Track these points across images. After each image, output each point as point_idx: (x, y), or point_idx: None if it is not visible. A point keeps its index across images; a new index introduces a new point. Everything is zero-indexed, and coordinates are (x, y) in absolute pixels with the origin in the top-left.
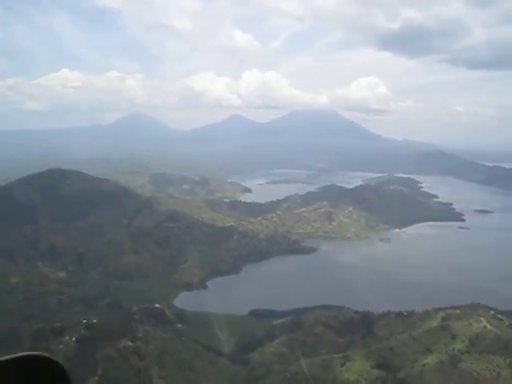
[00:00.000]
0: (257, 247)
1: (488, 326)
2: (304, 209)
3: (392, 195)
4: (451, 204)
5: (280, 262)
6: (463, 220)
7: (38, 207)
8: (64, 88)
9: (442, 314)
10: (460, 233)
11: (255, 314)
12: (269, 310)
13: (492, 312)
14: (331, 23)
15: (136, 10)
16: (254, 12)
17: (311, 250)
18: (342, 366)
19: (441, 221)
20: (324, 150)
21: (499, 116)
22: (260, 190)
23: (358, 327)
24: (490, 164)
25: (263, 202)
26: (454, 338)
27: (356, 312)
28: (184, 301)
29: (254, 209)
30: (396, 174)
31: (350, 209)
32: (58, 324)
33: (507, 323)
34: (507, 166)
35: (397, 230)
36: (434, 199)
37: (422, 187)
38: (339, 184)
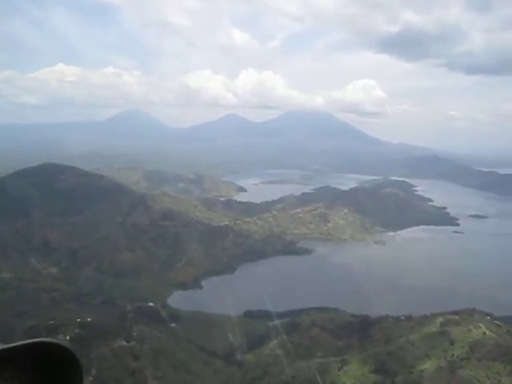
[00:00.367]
0: (252, 247)
1: (487, 333)
2: (299, 210)
3: (387, 198)
4: (446, 208)
5: (275, 262)
6: (458, 225)
7: (31, 201)
8: (60, 82)
9: (440, 319)
10: (455, 237)
11: (250, 314)
12: (264, 311)
13: (488, 318)
14: (330, 24)
15: (135, 5)
16: (253, 11)
17: (306, 251)
18: (339, 370)
19: (435, 225)
20: (319, 152)
21: (496, 122)
22: (255, 189)
23: (355, 330)
24: (485, 169)
25: (258, 201)
26: (452, 343)
27: (353, 315)
28: (178, 300)
29: (249, 208)
30: (391, 177)
31: (345, 211)
32: (52, 322)
33: (506, 330)
34: (502, 171)
35: (391, 233)
36: (429, 203)
37: (416, 191)
38: (334, 186)
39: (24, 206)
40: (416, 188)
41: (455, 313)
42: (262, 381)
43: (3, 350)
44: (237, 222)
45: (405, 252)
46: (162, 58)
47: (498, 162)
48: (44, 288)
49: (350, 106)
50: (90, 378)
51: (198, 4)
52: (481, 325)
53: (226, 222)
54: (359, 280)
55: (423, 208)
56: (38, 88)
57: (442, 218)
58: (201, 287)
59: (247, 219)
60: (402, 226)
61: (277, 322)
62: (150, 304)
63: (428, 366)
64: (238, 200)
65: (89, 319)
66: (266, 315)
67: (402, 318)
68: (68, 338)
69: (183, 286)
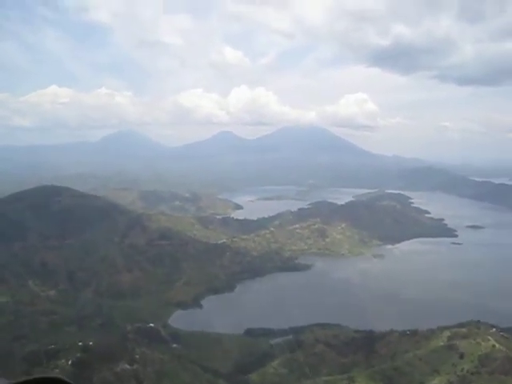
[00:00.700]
0: (250, 264)
1: (497, 346)
2: (297, 225)
3: (384, 211)
4: (443, 220)
5: (274, 279)
6: (456, 236)
7: (28, 224)
8: (53, 104)
9: (447, 332)
10: (453, 249)
11: (251, 333)
12: (265, 329)
13: (494, 329)
14: (321, 39)
15: (126, 26)
16: (245, 28)
17: (305, 267)
18: None
19: (433, 237)
20: (313, 167)
21: (488, 132)
22: (251, 206)
23: (360, 346)
24: (479, 179)
25: (255, 218)
26: (461, 357)
27: (357, 331)
28: (179, 320)
29: (246, 225)
30: (386, 190)
31: (343, 225)
32: (53, 346)
33: None
34: (497, 181)
35: (390, 246)
36: (426, 215)
37: (412, 203)
38: (330, 200)
39: (21, 228)
40: (412, 200)
41: (462, 326)
42: None
43: None
44: (234, 239)
45: (404, 265)
46: (155, 77)
47: (491, 171)
48: (42, 311)
49: (342, 120)
50: None
51: (190, 23)
52: (489, 337)
53: (224, 240)
54: (360, 295)
55: (421, 220)
56: (30, 110)
57: (439, 229)
58: (201, 306)
59: (245, 236)
60: (400, 239)
61: (279, 339)
62: (151, 325)
63: (438, 381)
64: (234, 217)
65: (90, 343)
66: (268, 333)
67: (408, 332)
68: (70, 362)
69: (183, 306)
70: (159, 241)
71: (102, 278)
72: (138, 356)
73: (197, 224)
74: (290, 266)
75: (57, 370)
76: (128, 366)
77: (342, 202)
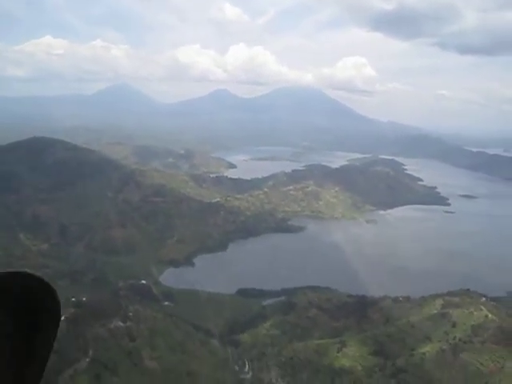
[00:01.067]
0: (243, 224)
1: (489, 316)
2: (291, 187)
3: (377, 177)
4: (436, 188)
5: (267, 240)
6: (448, 204)
7: (20, 176)
8: (47, 55)
9: (440, 301)
10: (446, 217)
11: (243, 293)
12: (257, 290)
13: (484, 299)
14: (323, 1)
15: None
16: None
17: (298, 229)
18: (338, 352)
19: (426, 204)
20: (309, 129)
21: (486, 102)
22: (245, 166)
23: (353, 311)
24: (474, 149)
25: (249, 178)
26: (454, 326)
27: (350, 295)
28: (171, 277)
29: (239, 185)
30: (380, 156)
31: (337, 189)
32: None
33: (507, 312)
34: (491, 151)
35: (382, 212)
36: (419, 182)
37: (406, 169)
38: (324, 163)
39: (13, 180)
40: (406, 167)
41: (452, 294)
42: (259, 362)
43: None
44: (228, 198)
45: (397, 231)
46: (153, 31)
47: (487, 142)
48: (34, 265)
49: (340, 83)
50: (87, 359)
51: None
52: (482, 307)
53: (218, 199)
54: (352, 259)
55: (413, 187)
56: (24, 60)
57: (432, 197)
58: (193, 264)
59: (238, 196)
60: (392, 205)
61: (271, 300)
62: (143, 281)
63: (429, 348)
64: (228, 176)
65: (83, 298)
66: (260, 294)
67: (401, 299)
68: (63, 317)
69: (175, 264)
70: (153, 197)
71: (95, 232)
72: (131, 313)
73: (190, 182)
74: (283, 227)
75: None
76: (121, 323)
77: (336, 166)
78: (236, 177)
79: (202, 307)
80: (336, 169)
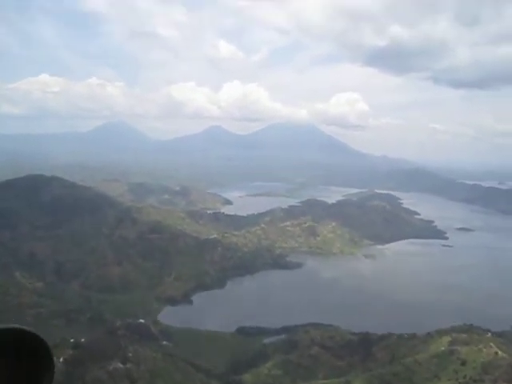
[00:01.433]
0: (241, 261)
1: (499, 353)
2: (288, 223)
3: (374, 211)
4: (433, 221)
5: (265, 276)
6: (446, 238)
7: (17, 213)
8: (43, 93)
9: (447, 337)
10: (444, 251)
11: (243, 331)
12: (257, 328)
13: (489, 334)
14: (317, 37)
15: (121, 16)
16: (240, 23)
17: (297, 265)
18: None
19: (423, 238)
20: (303, 164)
21: (478, 135)
22: (241, 202)
23: (357, 349)
24: (469, 182)
25: (245, 214)
26: (463, 364)
27: (353, 333)
28: (169, 316)
29: (236, 221)
30: (376, 190)
31: (334, 224)
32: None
33: None
34: (486, 184)
35: (380, 247)
36: (416, 216)
37: (402, 204)
38: (320, 198)
39: (9, 217)
40: (402, 201)
41: (461, 330)
42: None
43: None
44: (225, 235)
45: (396, 266)
46: (148, 69)
47: (481, 175)
48: (29, 304)
49: (333, 119)
50: None
51: (185, 16)
52: (492, 344)
53: (215, 235)
54: (353, 295)
55: (411, 221)
56: (20, 98)
57: (430, 231)
58: (191, 302)
59: (236, 232)
60: (390, 240)
61: (272, 339)
62: (141, 320)
63: None
64: (225, 213)
65: (82, 339)
66: (260, 332)
67: (406, 335)
68: (61, 359)
69: (173, 301)
70: (149, 234)
71: (90, 270)
72: (130, 354)
73: (187, 218)
74: (280, 263)
75: None
76: (121, 365)
77: (332, 201)
78: (232, 213)
79: (202, 346)
80: (332, 204)
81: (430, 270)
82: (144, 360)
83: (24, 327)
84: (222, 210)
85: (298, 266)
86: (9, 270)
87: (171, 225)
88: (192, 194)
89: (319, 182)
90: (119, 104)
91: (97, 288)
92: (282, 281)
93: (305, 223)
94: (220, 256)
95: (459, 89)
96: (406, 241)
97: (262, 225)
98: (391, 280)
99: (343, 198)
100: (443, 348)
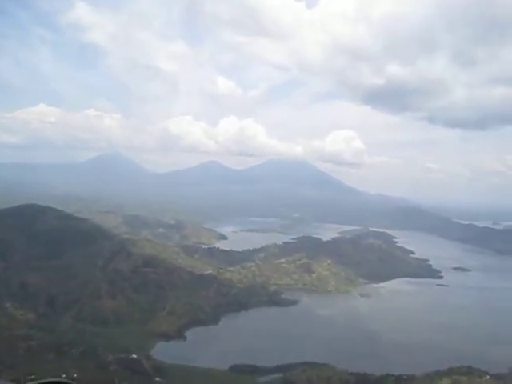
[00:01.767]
0: (236, 297)
1: None
2: (283, 259)
3: (369, 249)
4: (428, 260)
5: (260, 313)
6: (441, 277)
7: (10, 243)
8: (40, 123)
9: (448, 380)
10: (439, 290)
11: (237, 369)
12: (251, 366)
13: (488, 377)
14: (315, 75)
15: (120, 49)
16: (240, 59)
17: (291, 303)
18: None
19: (418, 277)
20: (298, 200)
21: (473, 175)
22: (235, 237)
23: None
24: (464, 222)
25: (240, 250)
26: None
27: (351, 373)
28: (162, 351)
29: (231, 257)
30: (371, 228)
31: (329, 261)
32: (33, 376)
33: None
34: (480, 224)
35: (375, 285)
36: (411, 255)
37: (397, 242)
38: (314, 235)
39: (2, 247)
40: (396, 239)
41: (458, 372)
42: None
43: None
44: (220, 270)
45: (391, 305)
46: (145, 102)
47: (475, 215)
48: (20, 336)
49: (329, 156)
50: None
51: (185, 50)
52: None
53: (210, 271)
54: (348, 334)
55: (406, 260)
56: (17, 127)
57: (425, 270)
58: (184, 338)
59: (230, 268)
60: (385, 278)
61: (266, 378)
62: (133, 356)
63: None
64: (219, 248)
65: (75, 375)
66: (254, 370)
67: (405, 377)
68: None
69: (166, 337)
70: (144, 268)
71: (84, 302)
72: None
73: (182, 253)
74: (275, 300)
75: None
76: None
77: (327, 238)
78: (227, 248)
79: (195, 383)
80: (327, 241)
81: (425, 310)
82: None
83: (66, 380)
84: (217, 245)
85: (293, 303)
86: (0, 300)
87: (166, 259)
88: (187, 228)
89: (314, 218)
90: (116, 136)
91: (90, 321)
92: (277, 318)
93: (299, 260)
94: (215, 292)
95: (455, 128)
96: (401, 279)
97: (257, 261)
98: (387, 319)
99: (338, 235)
100: None
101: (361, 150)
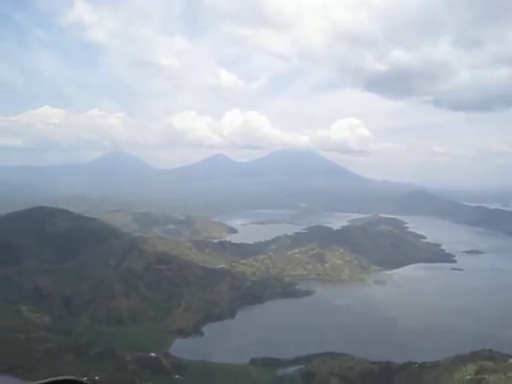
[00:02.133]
0: (250, 290)
1: None
2: (296, 250)
3: (381, 236)
4: (440, 245)
5: (275, 305)
6: (454, 261)
7: (21, 247)
8: (45, 125)
9: (473, 365)
10: (454, 274)
11: (257, 362)
12: (271, 358)
13: (511, 360)
14: (317, 63)
15: (122, 47)
16: (241, 50)
17: (306, 293)
18: None
19: (432, 262)
20: (306, 190)
21: (480, 157)
22: (245, 230)
23: (379, 380)
24: (473, 204)
25: (251, 242)
26: None
27: (373, 362)
28: (180, 348)
29: (243, 250)
30: (380, 215)
31: (341, 250)
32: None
33: None
34: (489, 206)
35: (389, 272)
36: (422, 240)
37: (408, 228)
38: (325, 224)
39: (14, 251)
40: (407, 225)
41: (482, 357)
42: None
43: None
44: (233, 264)
45: (407, 291)
46: (149, 99)
47: (483, 197)
48: (37, 339)
49: (334, 145)
50: None
51: (186, 45)
52: None
53: (222, 265)
54: (366, 323)
55: (418, 245)
56: (22, 130)
57: (437, 254)
58: (202, 334)
59: (243, 261)
60: (398, 264)
61: (287, 370)
62: (152, 354)
63: None
64: (230, 241)
65: (96, 377)
66: (275, 363)
67: (429, 364)
68: None
69: (183, 333)
70: (157, 265)
71: (98, 303)
72: None
73: (193, 248)
74: (290, 291)
75: None
76: None
77: (338, 227)
78: (238, 241)
79: (215, 379)
80: (338, 230)
81: (441, 295)
82: None
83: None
84: (228, 239)
85: (308, 293)
86: (14, 304)
87: (178, 255)
88: (197, 223)
89: (323, 207)
90: (120, 134)
91: (106, 321)
92: (293, 309)
93: (312, 250)
94: (228, 285)
95: (459, 111)
96: (414, 265)
97: (269, 253)
98: (403, 305)
99: (348, 223)
100: (469, 377)
101: (366, 138)
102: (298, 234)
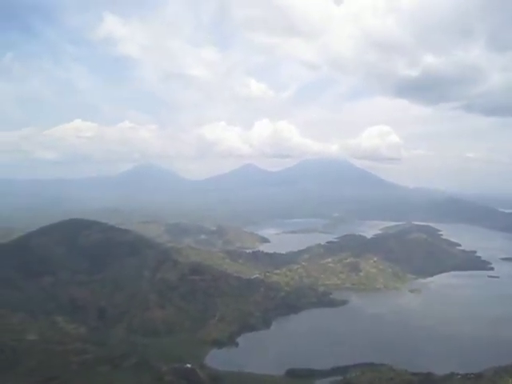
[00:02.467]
0: (285, 300)
1: None
2: (329, 259)
3: (415, 244)
4: (475, 252)
5: (310, 315)
6: (491, 269)
7: (56, 258)
8: (77, 138)
9: None
10: (491, 282)
11: (293, 373)
12: (307, 369)
13: None
14: (347, 71)
15: (152, 59)
16: (270, 60)
17: (341, 303)
18: None
19: (467, 270)
20: (337, 199)
21: None
22: (278, 239)
23: None
24: (508, 211)
25: (284, 252)
26: None
27: (414, 373)
28: (215, 359)
29: (276, 259)
30: (414, 222)
31: (375, 259)
32: None
33: None
34: None
35: (424, 280)
36: (457, 247)
37: (441, 235)
38: (358, 233)
39: (49, 263)
40: (441, 232)
41: None
42: None
43: None
44: (267, 274)
45: (443, 300)
46: (179, 110)
47: None
48: (73, 350)
49: (365, 153)
50: None
51: (216, 56)
52: None
53: (256, 275)
54: (403, 332)
55: (453, 253)
56: (55, 144)
57: (473, 262)
58: (237, 344)
59: (276, 271)
60: (433, 273)
61: (324, 381)
62: (188, 365)
63: None
64: (263, 251)
65: None
66: (311, 374)
67: (472, 375)
68: None
69: (218, 344)
70: (191, 275)
71: (133, 314)
72: None
73: (226, 258)
74: (325, 301)
75: None
76: None
77: (371, 235)
78: (271, 251)
79: None
80: (372, 238)
81: (478, 303)
82: None
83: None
84: (260, 249)
85: (343, 303)
86: (51, 316)
87: (212, 265)
88: (228, 234)
89: (355, 216)
90: (151, 146)
91: (141, 332)
92: (328, 319)
93: (346, 259)
94: (263, 296)
95: (492, 116)
96: (449, 273)
97: (303, 262)
98: (440, 314)
99: (381, 231)
100: None
101: (397, 145)
102: (330, 242)
